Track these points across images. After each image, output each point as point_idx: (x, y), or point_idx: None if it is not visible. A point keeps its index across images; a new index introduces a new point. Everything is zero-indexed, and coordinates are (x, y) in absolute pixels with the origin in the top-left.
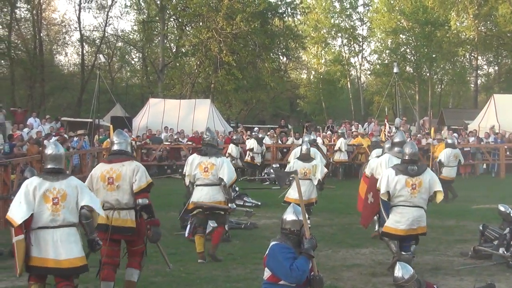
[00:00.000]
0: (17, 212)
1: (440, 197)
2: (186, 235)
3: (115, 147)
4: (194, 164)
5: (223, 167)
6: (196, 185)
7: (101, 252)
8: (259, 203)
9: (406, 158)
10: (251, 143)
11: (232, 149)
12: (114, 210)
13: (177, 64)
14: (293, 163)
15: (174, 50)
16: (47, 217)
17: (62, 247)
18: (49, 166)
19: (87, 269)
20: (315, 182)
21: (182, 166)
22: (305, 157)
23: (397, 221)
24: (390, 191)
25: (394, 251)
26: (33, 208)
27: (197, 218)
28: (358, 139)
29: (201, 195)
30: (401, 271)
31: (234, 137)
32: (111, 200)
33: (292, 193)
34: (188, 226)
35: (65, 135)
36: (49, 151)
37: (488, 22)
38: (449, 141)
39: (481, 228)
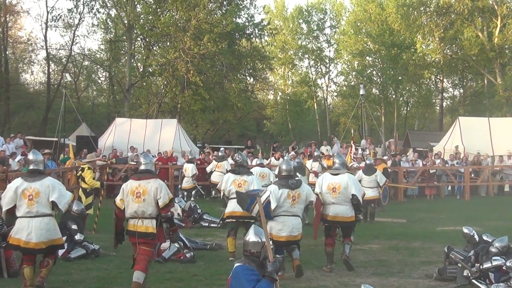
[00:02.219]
0: (3, 203)
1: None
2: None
3: (142, 167)
4: (229, 181)
5: (253, 184)
6: (230, 199)
7: (134, 250)
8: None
9: (284, 174)
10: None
11: (187, 168)
12: (138, 219)
13: (144, 83)
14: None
15: (141, 69)
16: (25, 209)
17: (34, 233)
18: (30, 167)
19: (54, 251)
20: None
21: None
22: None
23: (280, 229)
24: (277, 204)
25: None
26: (15, 201)
27: (231, 225)
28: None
29: (235, 206)
30: None
31: (190, 157)
32: (138, 210)
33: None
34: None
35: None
36: (30, 156)
37: (454, 45)
38: (368, 162)
39: (446, 250)
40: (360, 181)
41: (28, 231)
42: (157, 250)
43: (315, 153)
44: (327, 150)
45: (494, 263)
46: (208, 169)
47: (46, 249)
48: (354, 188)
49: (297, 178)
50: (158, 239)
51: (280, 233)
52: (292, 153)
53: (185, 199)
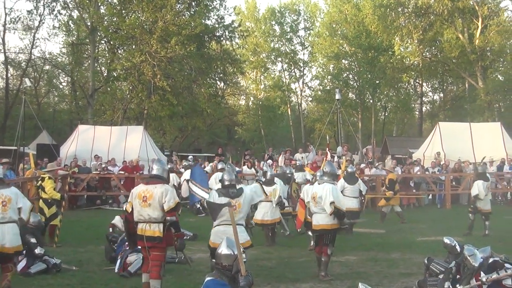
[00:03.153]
0: None
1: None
2: (116, 270)
3: (154, 172)
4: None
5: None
6: None
7: (142, 251)
8: (191, 234)
9: (226, 183)
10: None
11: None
12: (146, 223)
13: (108, 88)
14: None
15: (105, 74)
16: None
17: (7, 238)
18: None
19: (21, 253)
20: (274, 204)
21: (112, 197)
22: (269, 182)
23: (221, 237)
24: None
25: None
26: None
27: None
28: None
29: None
30: None
31: (170, 166)
32: (144, 215)
33: (257, 215)
34: (118, 260)
35: None
36: None
37: (433, 48)
38: (350, 170)
39: (426, 261)
40: (342, 191)
41: (2, 236)
42: (123, 263)
43: (298, 162)
44: (302, 157)
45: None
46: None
47: (14, 254)
48: (331, 196)
49: (238, 187)
50: (167, 242)
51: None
52: (269, 161)
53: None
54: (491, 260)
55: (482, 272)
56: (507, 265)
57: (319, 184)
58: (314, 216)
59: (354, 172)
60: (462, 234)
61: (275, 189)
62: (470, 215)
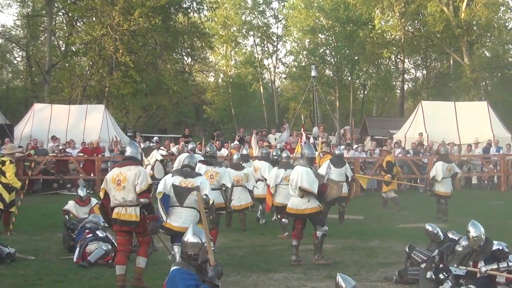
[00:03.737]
0: None
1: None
2: (75, 259)
3: (128, 154)
4: (201, 172)
5: (225, 175)
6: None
7: (117, 241)
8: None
9: (185, 163)
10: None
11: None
12: (121, 207)
13: (67, 64)
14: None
15: (63, 48)
16: None
17: None
18: None
19: None
20: (250, 188)
21: (71, 181)
22: (237, 166)
23: (174, 220)
24: (166, 192)
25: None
26: None
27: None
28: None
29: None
30: (343, 282)
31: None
32: (119, 198)
33: (278, 198)
34: (77, 249)
35: None
36: None
37: (416, 22)
38: (337, 152)
39: (407, 249)
40: (326, 173)
41: None
42: (82, 253)
43: (279, 145)
44: (275, 139)
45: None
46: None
47: None
48: (301, 180)
49: (197, 172)
50: (144, 227)
51: (172, 223)
52: (236, 142)
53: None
54: (495, 247)
55: (482, 261)
56: (511, 257)
57: (295, 166)
58: (290, 199)
59: (341, 154)
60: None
61: (246, 174)
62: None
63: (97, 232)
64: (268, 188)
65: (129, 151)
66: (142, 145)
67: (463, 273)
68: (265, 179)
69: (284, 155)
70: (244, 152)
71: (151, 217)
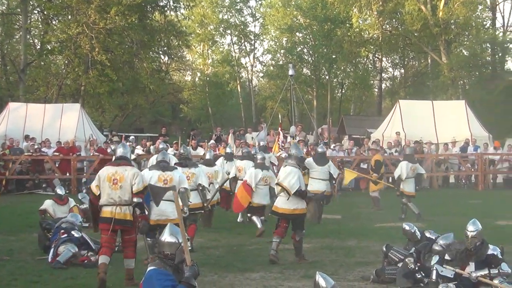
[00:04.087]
0: None
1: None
2: (50, 259)
3: (120, 154)
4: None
5: (201, 175)
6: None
7: (101, 239)
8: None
9: (159, 159)
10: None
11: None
12: (116, 205)
13: (42, 63)
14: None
15: (38, 47)
16: None
17: None
18: None
19: None
20: (216, 186)
21: (46, 181)
22: (209, 163)
23: (154, 212)
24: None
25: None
26: None
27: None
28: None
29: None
30: (323, 282)
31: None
32: (115, 197)
33: (256, 198)
34: (52, 249)
35: None
36: None
37: (394, 20)
38: (320, 150)
39: (384, 249)
40: (309, 171)
41: None
42: (55, 253)
43: (262, 143)
44: (252, 138)
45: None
46: None
47: None
48: (285, 179)
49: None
50: (135, 225)
51: (153, 217)
52: (212, 141)
53: None
54: (490, 252)
55: (473, 263)
56: (503, 264)
57: (284, 167)
58: (278, 199)
59: (324, 152)
60: (422, 219)
61: (216, 171)
62: (403, 199)
63: (73, 232)
64: (247, 187)
65: (121, 152)
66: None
67: (451, 276)
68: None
69: (259, 156)
70: (228, 150)
71: (143, 216)
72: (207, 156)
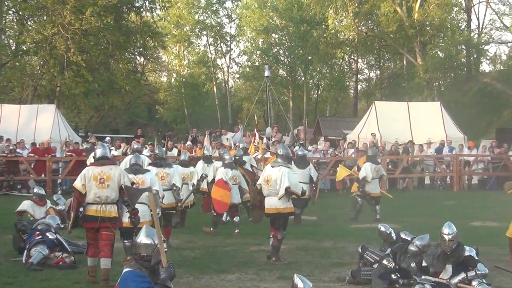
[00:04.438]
0: None
1: None
2: (24, 260)
3: (102, 154)
4: (152, 173)
5: (175, 176)
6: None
7: (87, 237)
8: None
9: (132, 162)
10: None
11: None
12: (101, 204)
13: (17, 63)
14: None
15: (13, 47)
16: None
17: None
18: None
19: None
20: (190, 187)
21: (21, 182)
22: (184, 163)
23: (125, 215)
24: None
25: None
26: None
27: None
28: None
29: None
30: (301, 283)
31: (85, 146)
32: (102, 196)
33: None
34: (26, 251)
35: None
36: None
37: (369, 22)
38: (300, 152)
39: (360, 250)
40: None
41: None
42: (29, 254)
43: (241, 145)
44: (227, 139)
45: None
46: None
47: None
48: (287, 180)
49: (146, 168)
50: (118, 223)
51: (127, 219)
52: (189, 142)
53: None
54: (467, 253)
55: (450, 266)
56: (479, 265)
57: (273, 167)
58: (267, 199)
59: (304, 155)
60: (398, 221)
61: (191, 172)
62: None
63: (47, 233)
64: (224, 185)
65: (102, 152)
66: (84, 145)
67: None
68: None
69: (226, 156)
70: (206, 153)
71: (134, 212)
72: (182, 157)
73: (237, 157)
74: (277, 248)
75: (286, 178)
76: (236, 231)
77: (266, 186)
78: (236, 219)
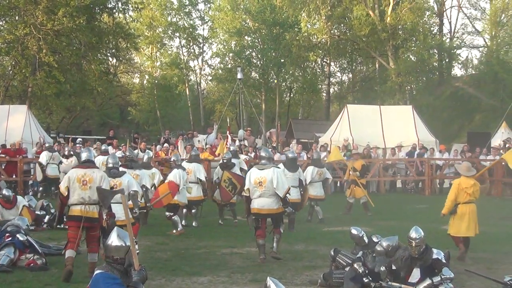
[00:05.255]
0: None
1: None
2: None
3: (86, 158)
4: None
5: (145, 177)
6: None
7: (68, 235)
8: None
9: (110, 165)
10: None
11: (43, 156)
12: (85, 205)
13: None
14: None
15: None
16: None
17: None
18: None
19: None
20: (151, 187)
21: None
22: (146, 165)
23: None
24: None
25: None
26: None
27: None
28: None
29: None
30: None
31: (47, 145)
32: (85, 197)
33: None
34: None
35: None
36: None
37: (342, 25)
38: (291, 155)
39: (332, 253)
40: None
41: None
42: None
43: (232, 148)
44: (199, 141)
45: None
46: (44, 161)
47: None
48: (278, 183)
49: (122, 170)
50: (100, 222)
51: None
52: (166, 145)
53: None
54: (434, 256)
55: (418, 270)
56: (444, 270)
57: (261, 169)
58: (258, 201)
59: (295, 158)
60: (370, 224)
61: (153, 173)
62: (351, 200)
63: (18, 235)
64: (176, 187)
65: (86, 156)
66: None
67: None
68: (200, 180)
69: (174, 158)
70: (173, 158)
71: (111, 214)
72: (145, 159)
73: (225, 160)
74: (279, 241)
75: (284, 177)
76: (174, 231)
77: (259, 188)
78: (176, 217)
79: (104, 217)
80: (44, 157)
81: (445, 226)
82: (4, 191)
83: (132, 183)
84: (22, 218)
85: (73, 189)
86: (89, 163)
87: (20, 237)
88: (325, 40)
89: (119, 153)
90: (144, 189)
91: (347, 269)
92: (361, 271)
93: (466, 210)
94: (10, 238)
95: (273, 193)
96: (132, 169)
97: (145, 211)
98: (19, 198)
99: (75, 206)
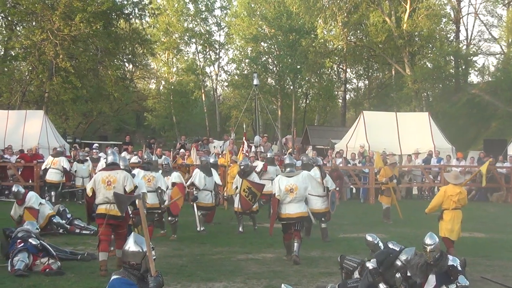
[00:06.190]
0: None
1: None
2: (9, 269)
3: (112, 161)
4: (139, 176)
5: (161, 179)
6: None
7: (99, 235)
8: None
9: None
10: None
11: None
12: (110, 203)
13: (5, 69)
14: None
15: (1, 52)
16: None
17: None
18: None
19: None
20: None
21: (9, 188)
22: (154, 169)
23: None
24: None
25: None
26: None
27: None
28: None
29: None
30: None
31: (59, 149)
32: (109, 196)
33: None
34: (9, 260)
35: None
36: None
37: (358, 32)
38: (304, 159)
39: (339, 259)
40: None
41: None
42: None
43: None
44: (214, 147)
45: None
46: (44, 164)
47: None
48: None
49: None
50: (127, 220)
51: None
52: (182, 150)
53: (53, 200)
54: (450, 263)
55: (434, 276)
56: (460, 278)
57: (290, 176)
58: (288, 206)
59: (310, 164)
60: (385, 230)
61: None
62: (386, 206)
63: (30, 240)
64: (184, 189)
65: (112, 159)
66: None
67: None
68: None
69: (157, 161)
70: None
71: (136, 212)
72: (165, 162)
73: (242, 167)
74: (300, 246)
75: (312, 180)
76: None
77: (290, 194)
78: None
79: (130, 214)
80: (46, 161)
81: (461, 233)
82: (14, 187)
83: (142, 185)
84: (32, 222)
85: (99, 189)
86: (113, 165)
87: (33, 241)
88: (341, 47)
89: (134, 158)
90: (159, 191)
91: (355, 272)
92: (371, 267)
93: (451, 215)
94: (22, 244)
95: (302, 198)
96: (149, 171)
97: (159, 211)
98: (30, 194)
99: (101, 205)
